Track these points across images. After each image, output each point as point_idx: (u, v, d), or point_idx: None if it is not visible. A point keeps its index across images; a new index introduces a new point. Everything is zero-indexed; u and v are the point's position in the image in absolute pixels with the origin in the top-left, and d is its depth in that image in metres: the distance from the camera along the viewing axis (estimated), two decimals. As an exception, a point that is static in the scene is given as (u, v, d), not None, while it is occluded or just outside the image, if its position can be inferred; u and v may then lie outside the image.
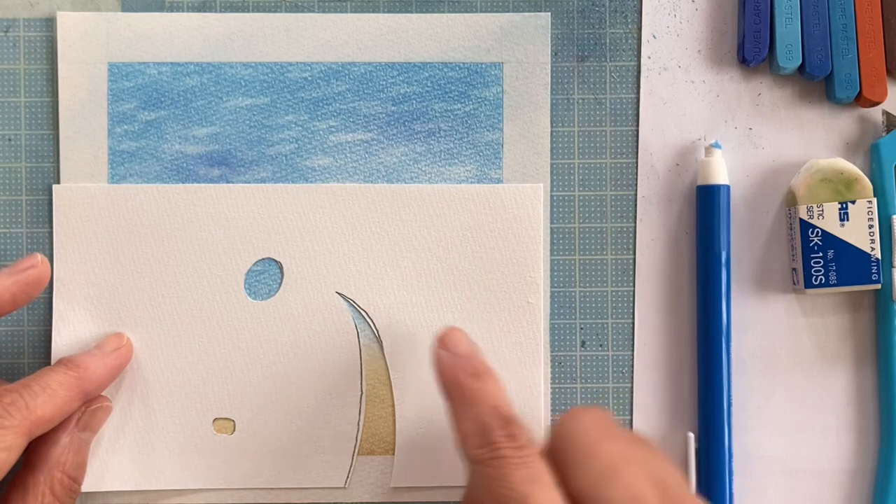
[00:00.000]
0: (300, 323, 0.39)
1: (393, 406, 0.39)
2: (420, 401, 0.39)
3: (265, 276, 0.39)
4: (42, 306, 0.39)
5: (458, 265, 0.39)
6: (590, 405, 0.31)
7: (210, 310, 0.39)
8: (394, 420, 0.39)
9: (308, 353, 0.39)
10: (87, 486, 0.38)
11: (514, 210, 0.39)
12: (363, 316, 0.39)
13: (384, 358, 0.39)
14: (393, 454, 0.39)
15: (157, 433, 0.39)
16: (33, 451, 0.36)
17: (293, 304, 0.39)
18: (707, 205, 0.40)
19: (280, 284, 0.39)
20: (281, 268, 0.39)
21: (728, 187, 0.40)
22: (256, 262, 0.39)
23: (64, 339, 0.39)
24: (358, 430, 0.39)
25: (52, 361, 0.39)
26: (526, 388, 0.39)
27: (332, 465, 0.39)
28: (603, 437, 0.30)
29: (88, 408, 0.37)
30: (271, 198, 0.39)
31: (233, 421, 0.39)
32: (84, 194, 0.39)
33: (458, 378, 0.33)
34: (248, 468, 0.39)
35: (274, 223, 0.39)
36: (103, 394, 0.38)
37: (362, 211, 0.39)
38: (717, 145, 0.40)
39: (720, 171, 0.40)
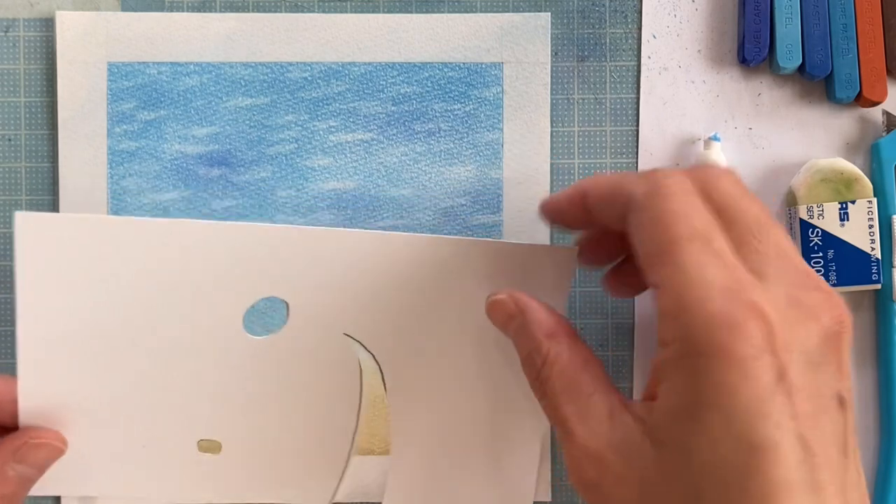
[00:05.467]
0: (302, 360, 0.36)
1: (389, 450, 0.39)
2: (419, 441, 0.38)
3: (269, 314, 0.36)
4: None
5: (476, 318, 0.36)
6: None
7: (204, 344, 0.36)
8: (387, 463, 0.39)
9: (306, 388, 0.37)
10: (46, 490, 0.37)
11: (541, 271, 0.36)
12: (369, 358, 0.37)
13: (385, 398, 0.38)
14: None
15: (137, 450, 0.37)
16: None
17: (297, 341, 0.36)
18: (707, 205, 0.40)
19: (284, 322, 0.36)
20: (287, 307, 0.36)
21: (728, 187, 0.40)
22: (260, 299, 0.36)
23: (31, 378, 0.35)
24: (346, 463, 0.38)
25: (21, 402, 0.35)
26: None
27: (317, 487, 0.39)
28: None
29: (30, 440, 0.34)
30: (277, 238, 0.35)
31: (219, 442, 0.37)
32: (53, 223, 0.34)
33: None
34: (233, 485, 0.38)
35: (283, 262, 0.35)
36: (55, 429, 0.35)
37: (375, 259, 0.35)
38: (715, 138, 0.40)
39: (719, 164, 0.39)
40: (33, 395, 0.35)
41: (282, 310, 0.36)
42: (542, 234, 0.40)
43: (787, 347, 0.26)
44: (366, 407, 0.38)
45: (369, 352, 0.37)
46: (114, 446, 0.36)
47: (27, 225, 0.33)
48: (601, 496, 0.28)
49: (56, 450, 0.36)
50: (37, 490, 0.35)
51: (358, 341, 0.36)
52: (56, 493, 0.37)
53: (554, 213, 0.35)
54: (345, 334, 0.36)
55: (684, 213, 0.28)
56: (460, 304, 0.36)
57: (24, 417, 0.35)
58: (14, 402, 0.35)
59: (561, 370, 0.31)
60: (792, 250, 0.29)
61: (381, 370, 0.37)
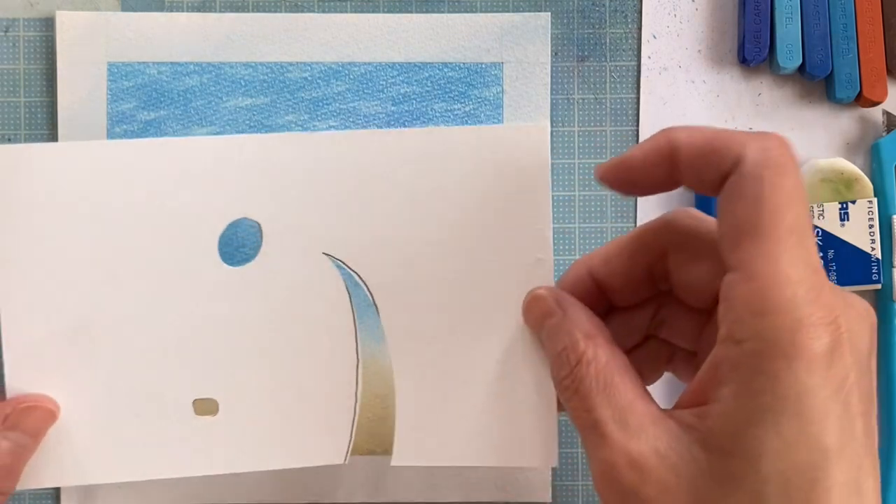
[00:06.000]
0: (284, 289, 0.35)
1: (392, 374, 0.36)
2: (422, 368, 0.36)
3: (242, 239, 0.36)
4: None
5: (459, 217, 0.35)
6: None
7: (181, 280, 0.35)
8: (394, 393, 0.36)
9: (295, 321, 0.35)
10: (46, 482, 0.35)
11: (518, 153, 0.34)
12: (355, 278, 0.35)
13: (380, 322, 0.36)
14: (391, 448, 0.37)
15: (129, 421, 0.35)
16: None
17: (275, 268, 0.35)
18: (706, 198, 0.40)
19: (259, 247, 0.35)
20: (259, 228, 0.35)
21: (728, 187, 0.40)
22: (231, 223, 0.35)
23: (16, 325, 0.35)
24: (356, 401, 0.36)
25: (5, 355, 0.35)
26: (537, 361, 0.35)
27: (330, 440, 0.36)
28: None
29: (19, 405, 0.34)
30: (243, 149, 0.35)
31: (215, 401, 0.36)
32: (28, 154, 0.34)
33: None
34: (235, 451, 0.36)
35: (248, 179, 0.35)
36: (44, 393, 0.35)
37: (348, 161, 0.35)
38: (717, 145, 0.40)
39: None
40: (19, 365, 0.35)
41: (256, 234, 0.35)
42: (542, 234, 0.40)
43: (852, 350, 0.26)
44: (361, 338, 0.36)
45: (353, 271, 0.35)
46: (107, 416, 0.35)
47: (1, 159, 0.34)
48: None
49: (48, 412, 0.34)
50: (31, 482, 0.35)
51: (340, 261, 0.35)
52: (56, 484, 0.36)
53: (627, 172, 0.30)
54: (324, 254, 0.35)
55: (795, 197, 0.26)
56: (440, 199, 0.35)
57: (10, 393, 0.34)
58: None
59: (598, 371, 0.29)
60: None
61: (370, 292, 0.35)
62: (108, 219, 0.35)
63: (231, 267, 0.35)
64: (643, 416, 0.27)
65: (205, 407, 0.36)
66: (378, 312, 0.36)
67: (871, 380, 0.27)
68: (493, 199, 0.35)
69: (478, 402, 0.36)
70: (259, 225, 0.35)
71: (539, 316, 0.33)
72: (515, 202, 0.34)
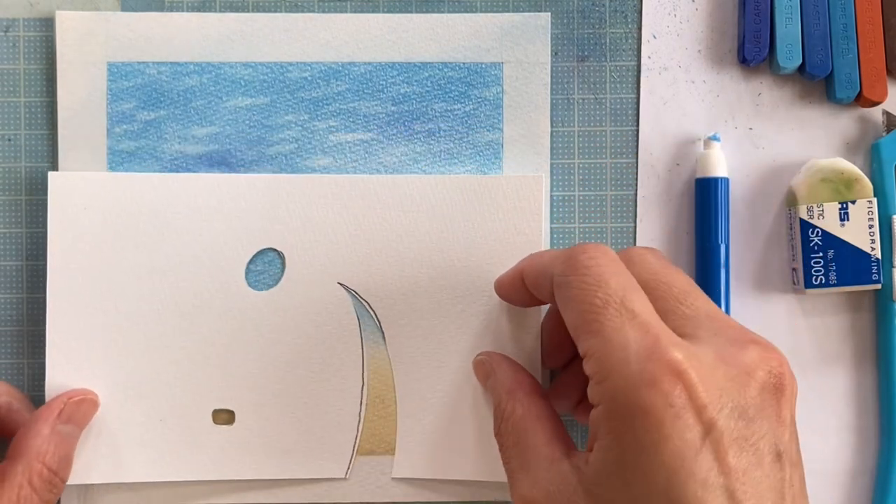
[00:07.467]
0: (301, 313, 0.39)
1: (395, 396, 0.39)
2: (422, 393, 0.39)
3: (267, 267, 0.39)
4: (43, 306, 0.39)
5: (460, 255, 0.39)
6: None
7: (210, 300, 0.39)
8: (395, 411, 0.39)
9: (309, 344, 0.39)
10: (78, 479, 0.38)
11: (514, 201, 0.39)
12: (365, 306, 0.39)
13: (386, 349, 0.39)
14: (394, 450, 0.39)
15: (154, 424, 0.38)
16: (14, 443, 0.35)
17: (294, 294, 0.39)
18: (705, 197, 0.40)
19: (282, 275, 0.39)
20: (282, 258, 0.39)
21: (727, 180, 0.40)
22: (258, 252, 0.39)
23: (59, 331, 0.38)
24: (359, 421, 0.39)
25: (48, 358, 0.38)
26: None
27: (333, 456, 0.39)
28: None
29: (71, 399, 0.37)
30: (273, 188, 0.39)
31: (232, 412, 0.39)
32: (81, 182, 0.39)
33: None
34: (247, 459, 0.39)
35: (276, 213, 0.39)
36: (88, 387, 0.38)
37: (364, 201, 0.39)
38: (715, 138, 0.40)
39: (719, 164, 0.40)
40: (60, 370, 0.38)
41: (279, 263, 0.39)
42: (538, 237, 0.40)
43: (715, 403, 0.27)
44: (368, 363, 0.39)
45: (364, 300, 0.39)
46: (135, 420, 0.38)
47: (57, 183, 0.38)
48: None
49: (93, 404, 0.38)
50: (75, 478, 0.37)
51: (353, 290, 0.39)
52: (91, 480, 0.38)
53: (501, 292, 0.37)
54: (339, 283, 0.39)
55: (598, 282, 0.29)
56: (444, 239, 0.39)
57: (50, 391, 0.38)
58: (12, 410, 0.37)
59: (513, 426, 0.33)
60: (720, 312, 0.30)
61: (378, 320, 0.39)
62: (149, 242, 0.39)
63: (255, 291, 0.39)
64: (543, 461, 0.31)
65: (223, 417, 0.39)
66: (384, 338, 0.39)
67: (767, 431, 0.27)
68: (492, 240, 0.39)
69: (473, 422, 0.39)
70: (283, 255, 0.39)
71: (483, 378, 0.38)
72: (512, 244, 0.39)
